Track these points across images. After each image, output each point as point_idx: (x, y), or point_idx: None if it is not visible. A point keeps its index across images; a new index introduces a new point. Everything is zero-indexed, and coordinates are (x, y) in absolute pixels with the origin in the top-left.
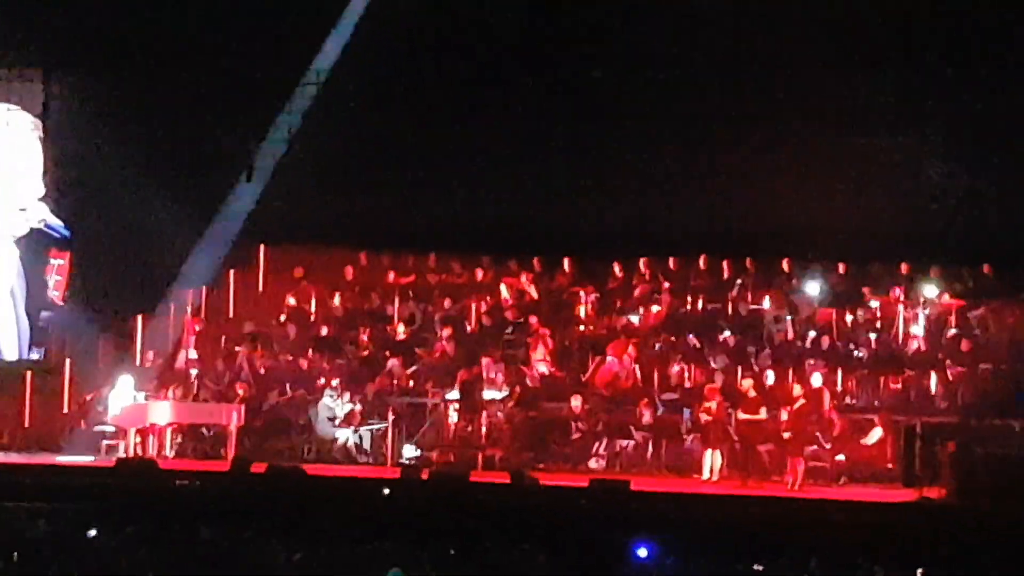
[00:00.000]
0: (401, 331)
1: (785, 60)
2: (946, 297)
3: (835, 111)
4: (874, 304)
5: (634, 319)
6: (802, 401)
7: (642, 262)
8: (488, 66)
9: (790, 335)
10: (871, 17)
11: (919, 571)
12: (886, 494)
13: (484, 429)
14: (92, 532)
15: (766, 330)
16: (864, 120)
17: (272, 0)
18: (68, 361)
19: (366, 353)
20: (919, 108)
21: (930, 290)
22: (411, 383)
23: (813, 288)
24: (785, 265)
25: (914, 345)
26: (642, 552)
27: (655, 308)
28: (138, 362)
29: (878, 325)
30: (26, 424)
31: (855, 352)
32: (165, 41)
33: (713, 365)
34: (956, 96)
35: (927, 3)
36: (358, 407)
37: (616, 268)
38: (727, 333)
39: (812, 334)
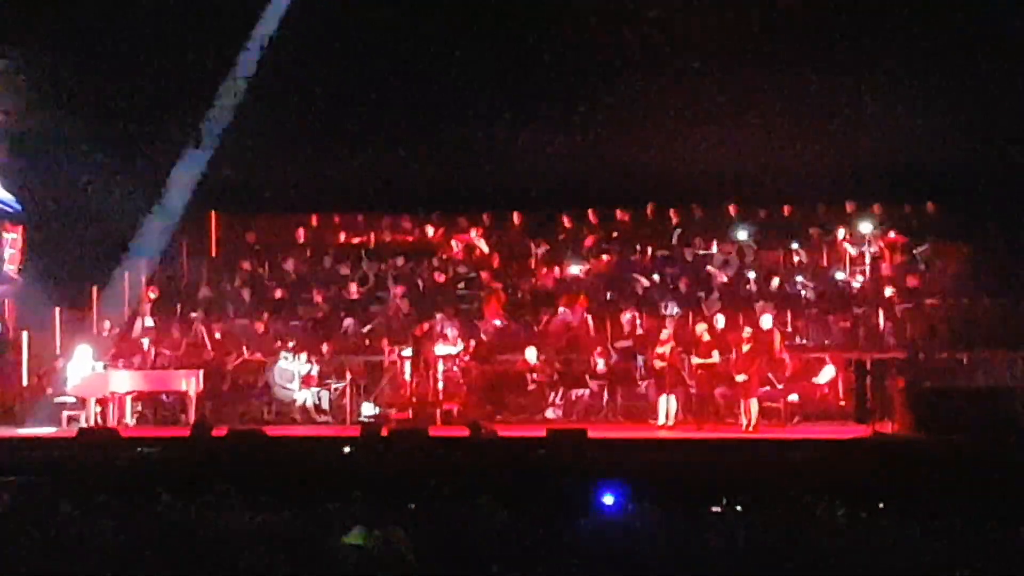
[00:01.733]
0: (354, 291)
1: (726, 6)
2: (891, 234)
3: (775, 54)
4: (819, 243)
5: (584, 269)
6: (752, 343)
7: (590, 213)
8: (432, 24)
9: (738, 278)
10: None
11: (880, 505)
12: (840, 431)
13: (441, 384)
14: (52, 499)
15: (715, 274)
16: (804, 61)
17: None
18: (25, 334)
19: (321, 314)
20: (858, 47)
21: (866, 226)
22: (367, 342)
23: (759, 231)
24: (731, 210)
25: (860, 282)
26: (608, 499)
27: (604, 257)
28: (95, 332)
29: (825, 264)
30: None
31: (803, 292)
32: (108, 12)
33: (664, 312)
34: (895, 33)
35: None
36: (315, 368)
37: (565, 220)
38: (674, 278)
39: (760, 276)
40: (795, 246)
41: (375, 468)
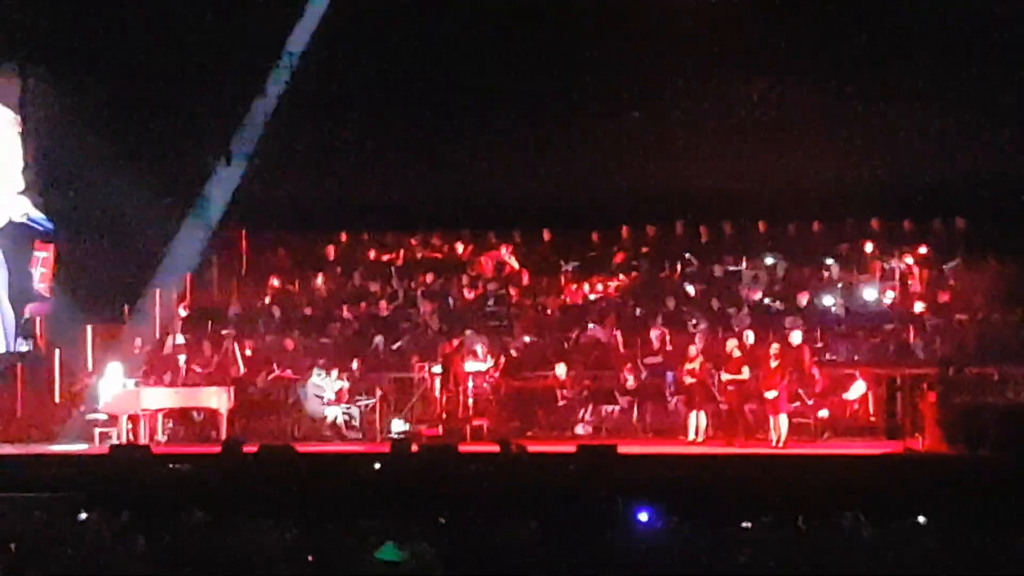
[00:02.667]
0: (384, 308)
1: (749, 25)
2: (921, 250)
3: (804, 71)
4: (849, 259)
5: (614, 285)
6: (781, 359)
7: (621, 230)
8: (461, 40)
9: (768, 295)
10: None
11: (911, 520)
12: (870, 446)
13: (471, 400)
14: (84, 516)
15: (744, 290)
16: (832, 78)
17: None
18: (57, 351)
19: (351, 331)
20: (886, 62)
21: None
22: (397, 358)
23: (788, 247)
24: (761, 226)
25: (890, 298)
26: (643, 516)
27: (634, 274)
28: (126, 349)
29: (855, 280)
30: (18, 415)
31: (832, 308)
32: (139, 31)
33: (692, 329)
34: (922, 48)
35: None
36: (346, 384)
37: (594, 236)
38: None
39: (790, 292)
40: (825, 262)
41: (405, 484)
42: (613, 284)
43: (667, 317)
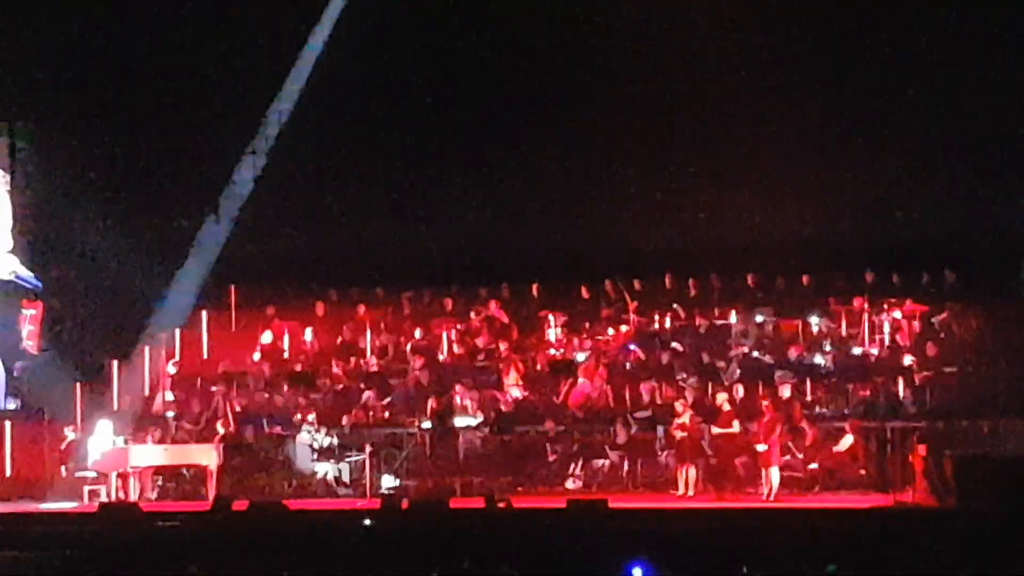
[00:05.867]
0: (374, 363)
1: (741, 80)
2: (909, 303)
3: (792, 128)
4: (838, 313)
5: (603, 340)
6: (771, 413)
7: (608, 284)
8: (449, 99)
9: (757, 349)
10: (817, 32)
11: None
12: (861, 500)
13: (461, 456)
14: None
15: (733, 344)
16: (821, 133)
17: (232, 42)
18: (46, 409)
19: (341, 386)
20: (874, 117)
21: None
22: (386, 414)
23: (778, 301)
24: (750, 280)
25: (879, 351)
26: (637, 573)
27: (623, 328)
28: (116, 407)
29: (844, 334)
30: (7, 473)
31: (822, 361)
32: (127, 89)
33: (682, 383)
34: (911, 102)
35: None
36: (336, 440)
37: (583, 291)
38: (694, 348)
39: (779, 346)
40: (814, 316)
41: (395, 540)
42: (603, 338)
43: (657, 371)
